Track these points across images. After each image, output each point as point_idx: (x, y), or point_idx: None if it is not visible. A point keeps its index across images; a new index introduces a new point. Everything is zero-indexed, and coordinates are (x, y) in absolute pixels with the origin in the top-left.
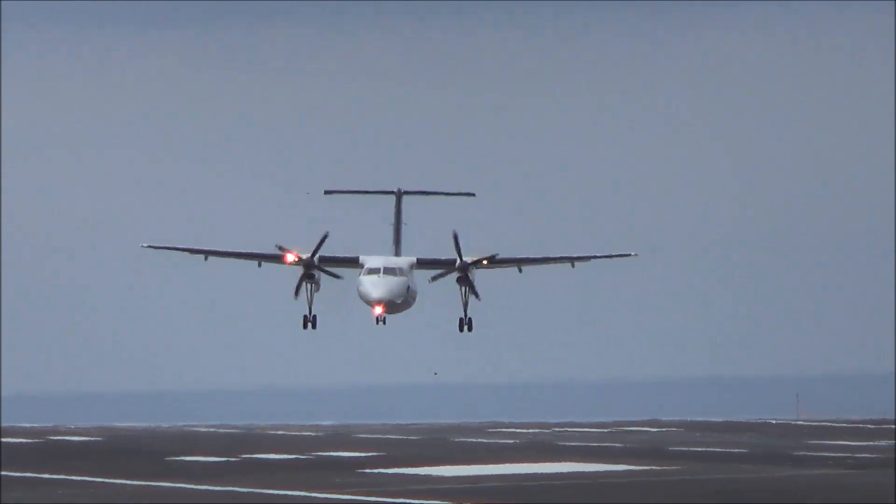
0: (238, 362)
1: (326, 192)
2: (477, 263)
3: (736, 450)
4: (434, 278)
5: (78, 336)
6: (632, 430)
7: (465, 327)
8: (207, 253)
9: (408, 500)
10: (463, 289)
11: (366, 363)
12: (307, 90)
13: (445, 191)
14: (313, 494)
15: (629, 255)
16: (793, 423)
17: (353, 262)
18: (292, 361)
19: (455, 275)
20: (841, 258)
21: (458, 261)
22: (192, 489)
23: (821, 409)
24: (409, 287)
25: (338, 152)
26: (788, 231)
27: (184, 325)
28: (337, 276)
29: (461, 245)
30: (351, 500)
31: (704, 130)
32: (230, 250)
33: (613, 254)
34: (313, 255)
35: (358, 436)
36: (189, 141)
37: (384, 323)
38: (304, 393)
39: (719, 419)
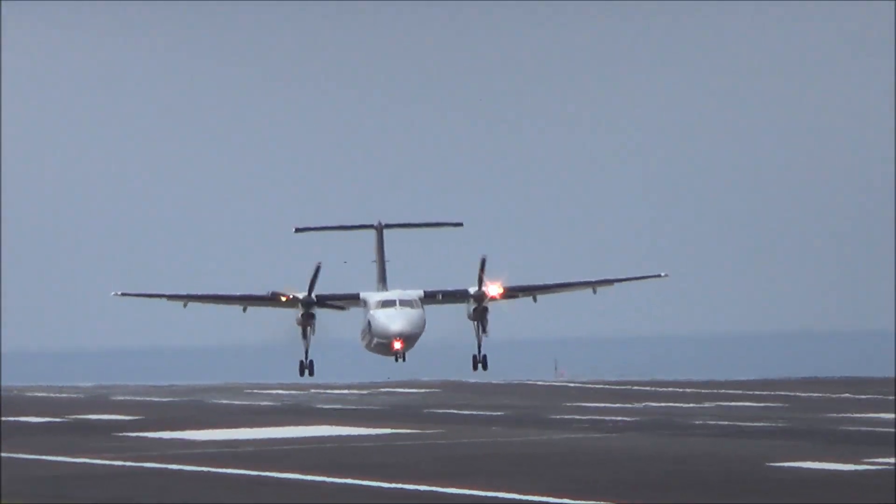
0: None
1: (297, 231)
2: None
3: (494, 412)
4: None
5: None
6: (391, 392)
7: (480, 365)
8: (188, 299)
9: (164, 466)
10: (477, 323)
11: (125, 325)
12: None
13: (430, 221)
14: (70, 459)
15: (658, 275)
16: (552, 384)
17: (354, 299)
18: (50, 322)
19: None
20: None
21: (476, 289)
22: None
23: (580, 371)
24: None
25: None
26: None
27: None
28: (342, 308)
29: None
30: (107, 465)
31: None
32: (214, 294)
33: (640, 276)
34: (310, 292)
35: (116, 398)
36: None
37: (404, 360)
38: (64, 354)
39: (478, 381)
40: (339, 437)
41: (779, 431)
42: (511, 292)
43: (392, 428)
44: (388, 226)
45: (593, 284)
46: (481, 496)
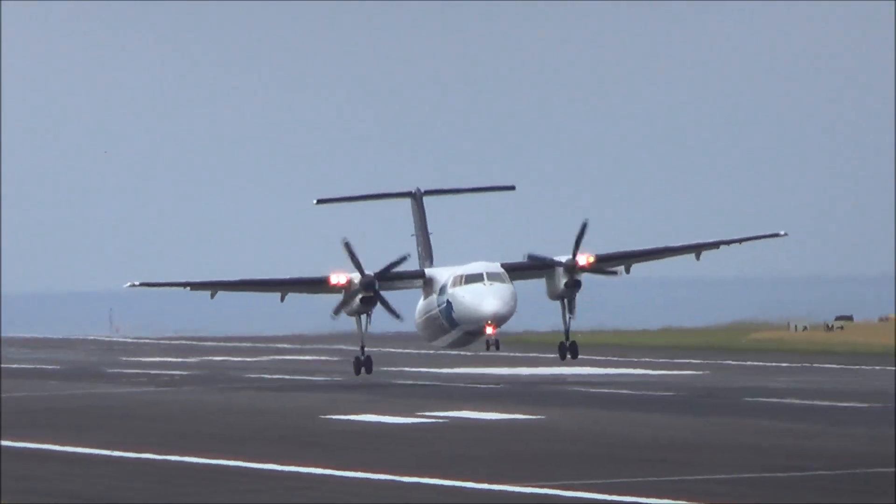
0: None
1: (318, 202)
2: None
3: (50, 366)
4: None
5: None
6: None
7: (569, 354)
8: (215, 287)
9: None
10: (564, 301)
11: None
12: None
13: (477, 186)
14: None
15: (777, 234)
16: (109, 339)
17: (418, 278)
18: None
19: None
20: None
21: (569, 258)
22: None
23: (135, 325)
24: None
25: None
26: None
27: None
28: (397, 316)
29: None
30: None
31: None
32: (244, 279)
33: (756, 235)
34: (362, 272)
35: None
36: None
37: (497, 348)
38: None
39: (34, 335)
40: None
41: (334, 385)
42: (601, 262)
43: None
44: (429, 192)
45: (697, 248)
46: (36, 449)
